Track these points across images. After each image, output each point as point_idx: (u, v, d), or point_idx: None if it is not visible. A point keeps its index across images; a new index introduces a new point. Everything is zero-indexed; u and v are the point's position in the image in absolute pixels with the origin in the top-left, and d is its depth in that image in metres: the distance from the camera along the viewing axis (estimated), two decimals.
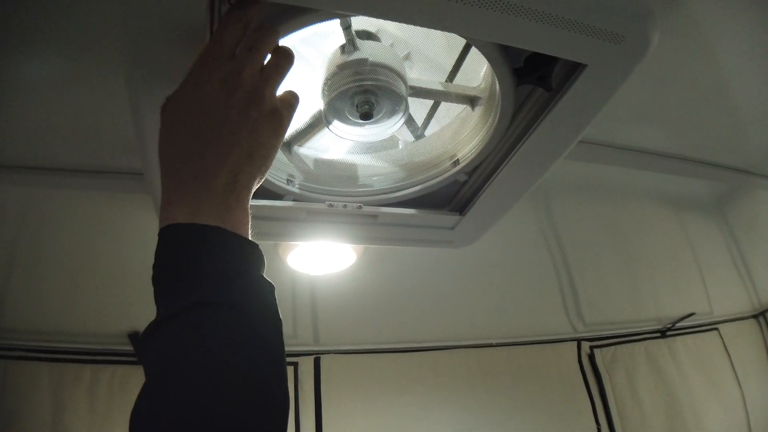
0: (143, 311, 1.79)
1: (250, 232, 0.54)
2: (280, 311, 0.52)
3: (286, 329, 1.87)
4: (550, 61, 0.72)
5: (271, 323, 0.51)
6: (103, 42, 0.86)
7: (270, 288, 0.52)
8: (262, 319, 0.50)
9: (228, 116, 0.54)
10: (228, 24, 0.57)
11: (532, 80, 0.75)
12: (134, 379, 1.85)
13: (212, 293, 0.48)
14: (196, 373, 0.44)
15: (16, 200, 1.32)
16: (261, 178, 0.58)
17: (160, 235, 0.51)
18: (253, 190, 0.56)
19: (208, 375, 0.44)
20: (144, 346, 0.47)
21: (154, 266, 0.51)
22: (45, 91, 0.97)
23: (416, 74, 0.90)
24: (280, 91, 0.61)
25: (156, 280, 0.50)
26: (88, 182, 1.21)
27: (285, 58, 0.60)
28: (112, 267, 1.61)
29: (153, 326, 0.47)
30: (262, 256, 0.54)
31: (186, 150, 0.53)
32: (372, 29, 0.84)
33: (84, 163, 1.19)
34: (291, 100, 0.62)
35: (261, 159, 0.56)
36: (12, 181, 1.21)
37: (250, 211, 0.55)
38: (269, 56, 0.60)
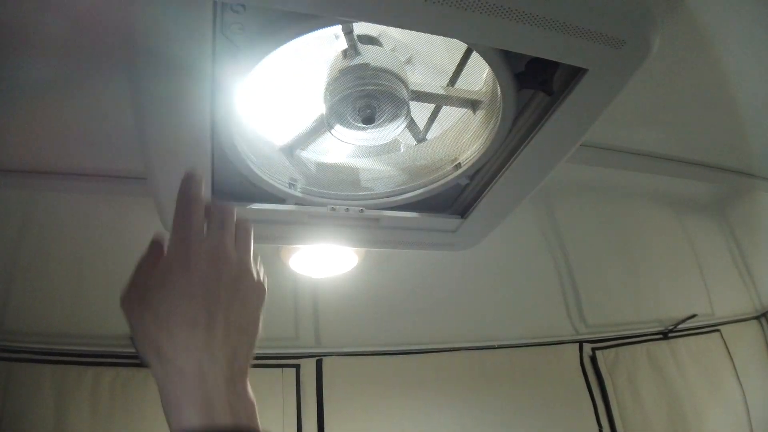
0: None
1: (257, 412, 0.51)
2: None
3: (288, 332, 1.87)
4: (551, 65, 0.72)
5: None
6: (106, 47, 0.86)
7: None
8: None
9: (218, 294, 0.52)
10: (188, 207, 0.56)
11: (534, 85, 0.75)
12: (136, 381, 1.85)
13: None
14: None
15: (19, 203, 1.33)
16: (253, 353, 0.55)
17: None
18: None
19: None
20: None
21: None
22: (48, 96, 0.97)
23: (418, 78, 0.90)
24: None
25: None
26: (90, 186, 1.21)
27: (248, 230, 0.60)
28: (114, 270, 1.61)
29: None
30: None
31: (183, 339, 0.50)
32: (374, 34, 0.85)
33: (86, 167, 1.19)
34: (263, 274, 0.60)
35: (254, 331, 0.55)
36: (15, 185, 1.22)
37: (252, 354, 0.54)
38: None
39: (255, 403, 0.51)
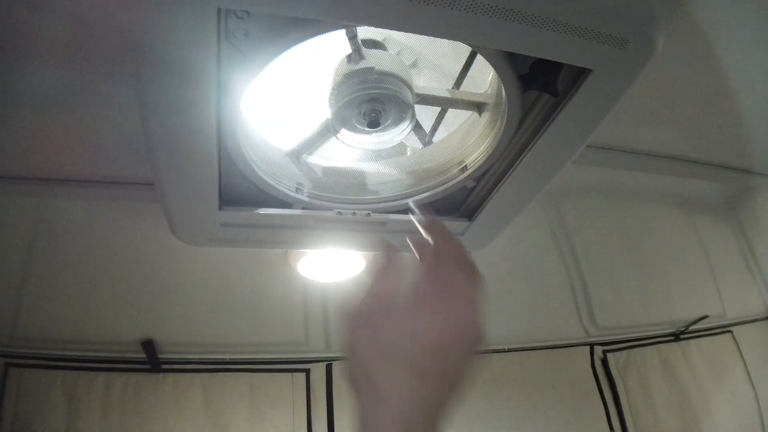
0: (156, 319, 1.81)
1: None
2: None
3: (298, 336, 1.88)
4: (555, 66, 0.72)
5: None
6: (113, 55, 0.87)
7: None
8: None
9: (457, 337, 0.50)
10: (446, 242, 0.56)
11: (538, 86, 0.75)
12: (147, 386, 1.86)
13: None
14: None
15: (29, 211, 1.34)
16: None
17: None
18: None
19: None
20: None
21: None
22: (56, 104, 0.98)
23: (424, 81, 0.90)
24: None
25: None
26: (99, 192, 1.22)
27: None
28: (124, 275, 1.63)
29: None
30: None
31: (399, 371, 0.48)
32: (379, 38, 0.85)
33: (95, 174, 1.20)
34: None
35: (461, 389, 0.50)
36: (25, 192, 1.23)
37: None
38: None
39: None
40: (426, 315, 0.50)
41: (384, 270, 0.57)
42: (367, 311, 0.53)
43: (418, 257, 0.58)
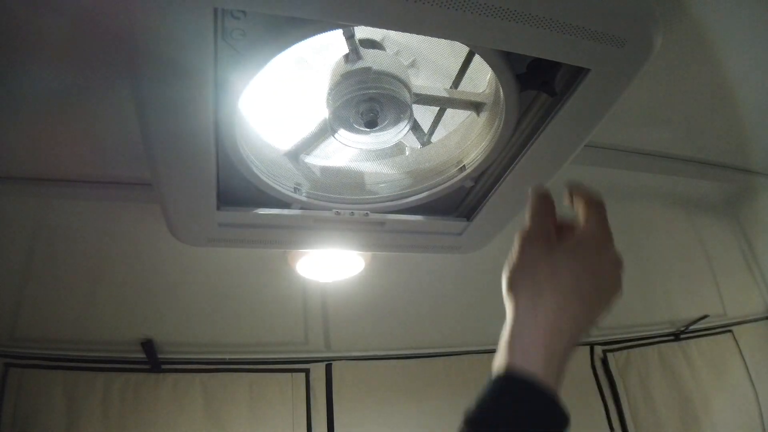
0: (155, 319, 1.81)
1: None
2: None
3: (298, 336, 1.87)
4: (552, 66, 0.72)
5: None
6: (112, 55, 0.87)
7: None
8: None
9: (604, 284, 0.58)
10: (603, 216, 0.62)
11: (536, 86, 0.75)
12: (147, 386, 1.86)
13: None
14: None
15: (29, 211, 1.34)
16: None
17: (503, 380, 0.54)
18: None
19: None
20: None
21: (484, 406, 0.53)
22: (55, 105, 0.98)
23: (422, 81, 0.90)
24: None
25: (480, 421, 0.53)
26: (98, 193, 1.22)
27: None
28: (123, 275, 1.63)
29: None
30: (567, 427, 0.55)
31: (558, 305, 0.55)
32: (377, 38, 0.85)
33: (94, 174, 1.20)
34: None
35: (599, 319, 0.59)
36: (25, 193, 1.23)
37: None
38: None
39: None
40: (591, 256, 0.58)
41: (549, 205, 0.65)
42: (542, 231, 0.61)
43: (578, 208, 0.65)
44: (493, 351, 0.58)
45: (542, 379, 0.53)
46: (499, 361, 0.55)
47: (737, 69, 1.08)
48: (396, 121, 0.80)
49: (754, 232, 2.05)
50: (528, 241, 0.61)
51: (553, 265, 0.58)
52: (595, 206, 0.63)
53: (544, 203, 0.65)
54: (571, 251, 0.59)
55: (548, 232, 0.62)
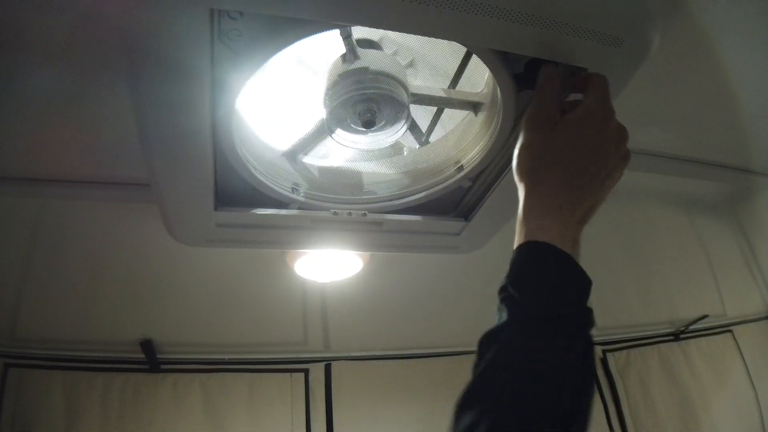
0: (154, 319, 1.81)
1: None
2: None
3: (297, 336, 1.88)
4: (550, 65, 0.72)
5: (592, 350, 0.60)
6: (110, 56, 0.87)
7: (593, 322, 0.59)
8: (590, 344, 0.59)
9: (607, 157, 0.62)
10: (604, 91, 0.64)
11: (533, 85, 0.74)
12: (146, 386, 1.86)
13: (561, 309, 0.56)
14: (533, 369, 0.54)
15: (28, 211, 1.35)
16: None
17: (525, 246, 0.58)
18: None
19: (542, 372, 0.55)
20: (491, 338, 0.55)
21: (513, 271, 0.57)
22: (53, 105, 0.98)
23: (420, 81, 0.90)
24: None
25: (512, 284, 0.56)
26: (97, 193, 1.23)
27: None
28: (123, 275, 1.63)
29: (505, 326, 0.55)
30: (590, 289, 0.59)
31: (563, 180, 0.60)
32: (375, 38, 0.85)
33: (95, 174, 1.20)
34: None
35: (608, 190, 0.63)
36: (24, 193, 1.23)
37: None
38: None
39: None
40: (592, 130, 0.62)
41: (554, 86, 0.66)
42: (545, 112, 0.64)
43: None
44: None
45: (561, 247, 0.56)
46: (517, 242, 0.59)
47: (737, 68, 1.08)
48: (393, 121, 0.80)
49: (754, 232, 2.05)
50: (531, 122, 0.64)
51: (555, 142, 0.61)
52: (595, 81, 0.64)
53: (550, 85, 0.66)
54: (572, 127, 0.61)
55: (551, 112, 0.64)
